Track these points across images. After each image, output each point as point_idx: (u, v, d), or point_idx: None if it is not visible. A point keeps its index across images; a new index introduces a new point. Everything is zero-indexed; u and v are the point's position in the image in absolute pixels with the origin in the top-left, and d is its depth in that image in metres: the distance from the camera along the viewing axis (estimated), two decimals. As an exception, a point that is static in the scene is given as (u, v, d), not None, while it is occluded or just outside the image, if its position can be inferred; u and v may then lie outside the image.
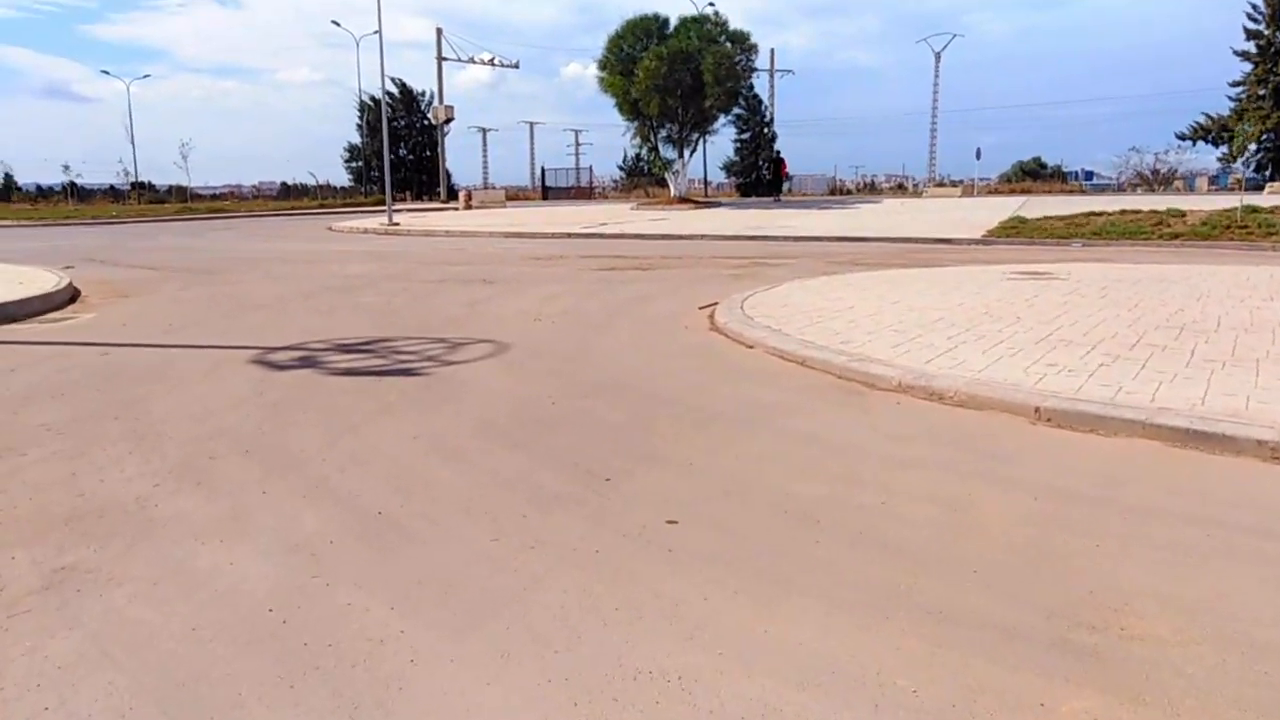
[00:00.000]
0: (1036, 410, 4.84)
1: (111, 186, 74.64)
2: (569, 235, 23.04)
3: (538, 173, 73.02)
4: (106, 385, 6.06)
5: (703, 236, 21.96)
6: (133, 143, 61.28)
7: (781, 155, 40.15)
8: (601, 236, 22.62)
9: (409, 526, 3.50)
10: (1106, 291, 9.46)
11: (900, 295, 9.44)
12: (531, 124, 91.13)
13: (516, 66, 57.29)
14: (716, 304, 9.51)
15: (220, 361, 6.85)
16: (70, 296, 11.00)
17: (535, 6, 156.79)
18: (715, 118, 35.78)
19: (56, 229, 33.50)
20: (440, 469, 4.17)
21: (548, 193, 61.47)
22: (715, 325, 8.25)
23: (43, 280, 11.62)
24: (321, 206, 46.93)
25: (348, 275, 13.51)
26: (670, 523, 3.47)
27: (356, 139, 63.34)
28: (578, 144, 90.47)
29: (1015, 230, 20.23)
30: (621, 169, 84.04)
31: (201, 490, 3.93)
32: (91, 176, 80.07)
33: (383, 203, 29.15)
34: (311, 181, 67.98)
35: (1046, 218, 21.37)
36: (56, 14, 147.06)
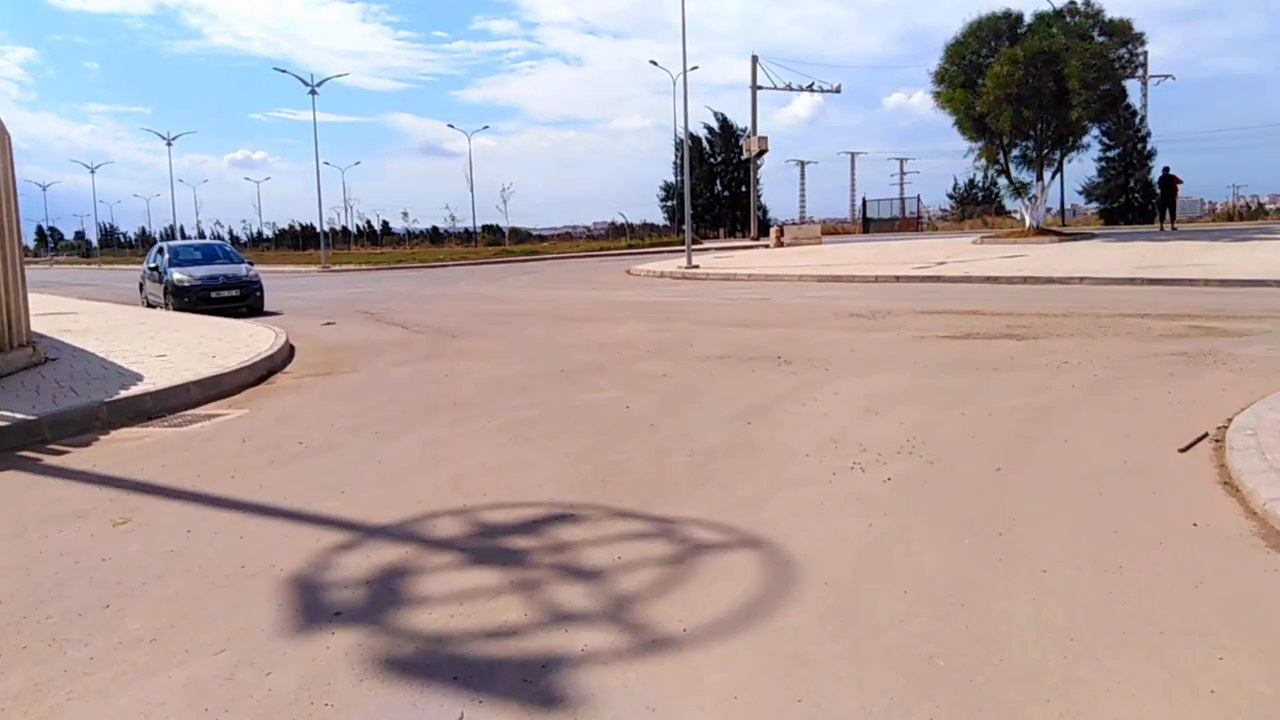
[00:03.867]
0: None
1: (466, 230, 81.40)
2: (897, 279, 18.51)
3: (858, 204, 68.17)
4: (-40, 655, 2.95)
5: (1082, 280, 16.41)
6: (471, 190, 66.00)
7: (1173, 173, 31.83)
8: (941, 280, 17.83)
9: None
10: None
11: None
12: (852, 154, 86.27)
13: (838, 91, 53.26)
14: (1209, 438, 4.87)
15: (244, 574, 3.57)
16: (262, 374, 8.74)
17: (859, 38, 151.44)
18: (1083, 130, 28.89)
19: (380, 273, 34.82)
20: None
21: (869, 225, 56.51)
22: (1270, 526, 3.66)
23: (250, 349, 9.56)
24: (630, 247, 45.99)
25: (604, 344, 10.27)
26: None
27: (673, 178, 62.78)
28: (902, 172, 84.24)
29: None
30: (951, 197, 76.85)
31: None
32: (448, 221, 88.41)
33: (694, 241, 26.44)
34: (628, 221, 68.59)
35: None
36: (434, 83, 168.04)
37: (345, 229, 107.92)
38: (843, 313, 12.65)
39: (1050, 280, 16.67)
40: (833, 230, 55.30)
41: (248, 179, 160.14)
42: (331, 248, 79.80)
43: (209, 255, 18.25)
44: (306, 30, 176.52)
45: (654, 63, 35.48)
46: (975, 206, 63.23)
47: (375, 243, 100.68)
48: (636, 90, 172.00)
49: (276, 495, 4.65)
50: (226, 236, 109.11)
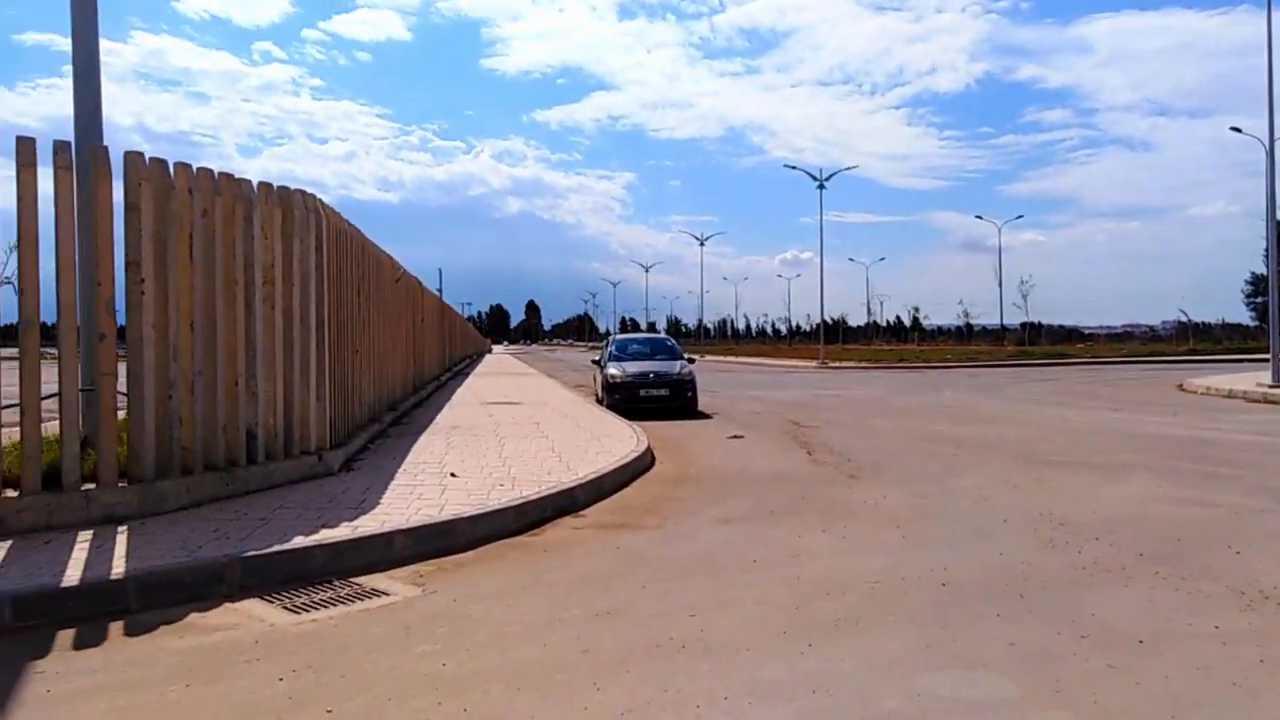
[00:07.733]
0: None
1: (1002, 325, 75.42)
2: None
3: None
4: None
5: None
6: (1000, 285, 59.78)
7: None
8: None
9: None
10: None
11: None
12: None
13: None
14: None
15: None
16: (543, 515, 6.48)
17: None
18: None
19: (871, 373, 31.99)
20: None
21: None
22: None
23: (566, 475, 7.47)
24: (1192, 352, 36.32)
25: (1065, 524, 6.07)
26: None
27: (1263, 269, 49.91)
28: None
29: None
30: None
31: None
32: (985, 318, 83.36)
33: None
34: (1191, 320, 55.90)
35: None
36: (978, 179, 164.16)
37: (874, 323, 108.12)
38: None
39: None
40: None
41: (780, 276, 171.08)
42: (847, 342, 79.59)
43: (653, 349, 17.24)
44: (854, 138, 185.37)
45: (1236, 129, 27.51)
46: None
47: (902, 339, 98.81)
48: (1219, 173, 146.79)
49: None
50: (769, 326, 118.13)
